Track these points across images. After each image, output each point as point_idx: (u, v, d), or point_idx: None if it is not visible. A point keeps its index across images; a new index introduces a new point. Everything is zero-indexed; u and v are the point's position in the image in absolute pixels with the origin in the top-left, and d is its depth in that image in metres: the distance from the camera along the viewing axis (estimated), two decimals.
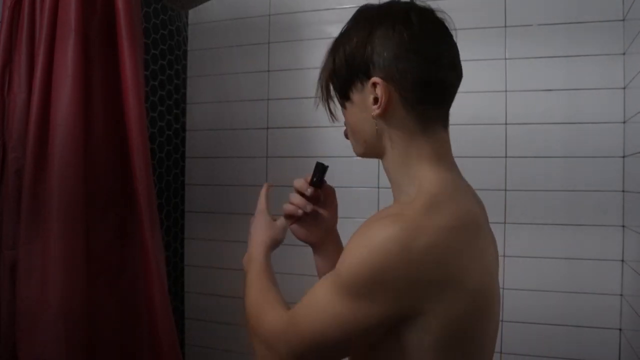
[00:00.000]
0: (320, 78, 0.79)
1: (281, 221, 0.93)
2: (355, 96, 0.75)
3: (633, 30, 1.41)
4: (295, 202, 0.90)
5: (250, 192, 1.94)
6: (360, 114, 0.75)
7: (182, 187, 2.05)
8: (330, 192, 0.94)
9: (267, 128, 1.93)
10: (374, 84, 0.71)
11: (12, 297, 1.25)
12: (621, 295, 1.51)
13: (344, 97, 0.77)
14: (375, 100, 0.72)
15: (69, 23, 1.25)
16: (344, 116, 0.80)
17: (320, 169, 0.89)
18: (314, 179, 0.89)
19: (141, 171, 1.30)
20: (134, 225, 1.36)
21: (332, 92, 0.79)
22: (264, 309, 0.77)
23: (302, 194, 0.90)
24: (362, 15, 0.76)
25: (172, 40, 1.96)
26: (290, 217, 0.92)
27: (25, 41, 1.29)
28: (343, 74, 0.75)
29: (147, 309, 1.35)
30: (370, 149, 0.78)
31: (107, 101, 1.35)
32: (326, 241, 0.95)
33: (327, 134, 1.78)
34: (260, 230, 0.91)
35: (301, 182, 0.90)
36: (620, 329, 1.51)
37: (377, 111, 0.72)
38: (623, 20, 1.51)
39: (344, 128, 0.82)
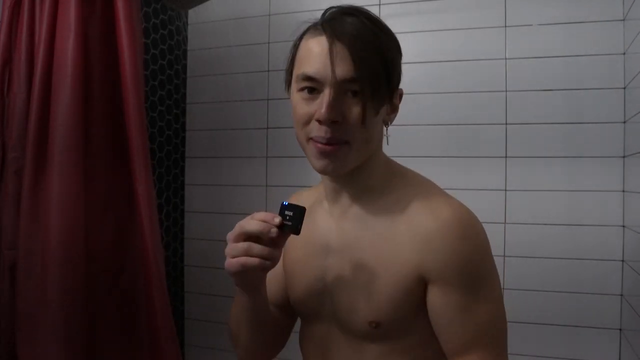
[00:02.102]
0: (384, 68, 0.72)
1: None
2: (391, 101, 0.78)
3: (633, 30, 1.41)
4: (260, 254, 0.70)
5: (250, 192, 1.95)
6: (379, 121, 0.76)
7: (181, 187, 2.05)
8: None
9: (267, 128, 1.92)
10: (400, 95, 0.79)
11: (12, 297, 1.25)
12: (621, 295, 1.51)
13: (388, 100, 0.76)
14: (393, 107, 0.79)
15: (69, 23, 1.25)
16: (367, 117, 0.72)
17: (300, 213, 0.71)
18: (299, 227, 0.71)
19: (141, 171, 1.30)
20: (134, 225, 1.36)
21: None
22: None
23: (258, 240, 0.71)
24: (385, 26, 0.76)
25: (172, 40, 1.96)
26: (242, 273, 0.72)
27: (25, 41, 1.29)
28: (397, 77, 0.76)
29: (147, 309, 1.35)
30: (367, 155, 0.78)
31: (107, 101, 1.35)
32: (263, 286, 0.81)
33: None
34: None
35: (262, 225, 0.70)
36: (620, 329, 1.51)
37: (393, 118, 0.79)
38: (623, 20, 1.51)
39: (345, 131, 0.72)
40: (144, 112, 1.33)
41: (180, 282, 2.04)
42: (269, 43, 1.92)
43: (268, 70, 1.92)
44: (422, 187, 0.80)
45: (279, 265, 0.90)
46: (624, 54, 1.51)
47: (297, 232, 0.71)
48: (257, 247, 0.70)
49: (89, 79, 1.30)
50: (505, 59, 1.63)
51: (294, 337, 0.97)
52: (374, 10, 0.76)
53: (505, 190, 1.62)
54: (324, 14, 0.77)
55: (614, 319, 1.51)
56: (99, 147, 1.34)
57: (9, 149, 1.29)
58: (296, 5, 1.87)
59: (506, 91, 1.62)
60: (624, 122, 1.52)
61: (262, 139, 1.93)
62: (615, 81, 1.52)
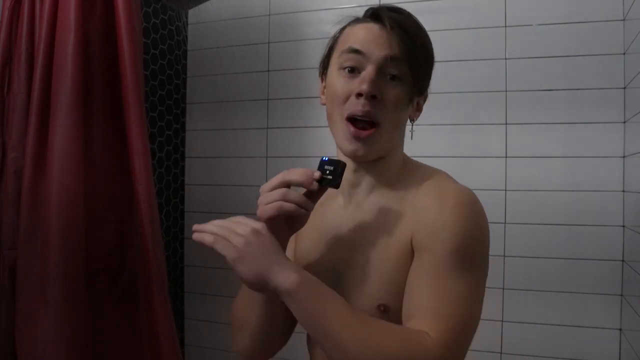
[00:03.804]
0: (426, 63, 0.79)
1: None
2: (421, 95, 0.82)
3: (633, 30, 1.41)
4: (297, 201, 0.71)
5: (250, 192, 1.94)
6: (407, 113, 0.80)
7: (181, 187, 2.05)
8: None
9: (267, 128, 1.92)
10: (425, 97, 0.83)
11: (12, 297, 1.25)
12: (621, 295, 1.51)
13: (421, 91, 0.80)
14: (418, 106, 0.83)
15: (68, 23, 1.25)
16: (400, 108, 0.77)
17: (341, 168, 0.73)
18: (338, 181, 0.72)
19: (141, 171, 1.30)
20: (134, 225, 1.36)
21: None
22: (398, 343, 0.66)
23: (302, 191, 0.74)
24: (423, 27, 0.80)
25: (172, 40, 1.96)
26: (276, 218, 0.73)
27: (25, 41, 1.29)
28: (430, 74, 0.81)
29: (147, 309, 1.35)
30: (393, 144, 0.81)
31: (107, 101, 1.35)
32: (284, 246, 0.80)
33: (327, 133, 1.77)
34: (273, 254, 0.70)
35: (305, 175, 0.72)
36: (620, 329, 1.51)
37: (417, 116, 0.83)
38: (623, 20, 1.51)
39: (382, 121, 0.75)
40: (144, 112, 1.33)
41: (180, 282, 2.04)
42: (269, 43, 1.92)
43: (268, 70, 1.92)
44: (434, 174, 0.82)
45: (289, 257, 0.88)
46: (624, 54, 1.51)
47: (337, 187, 0.73)
48: (294, 193, 0.72)
49: (89, 79, 1.30)
50: (506, 59, 1.63)
51: (296, 339, 0.95)
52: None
53: (505, 190, 1.62)
54: (367, 12, 0.81)
55: (614, 318, 1.51)
56: (99, 148, 1.34)
57: (9, 149, 1.29)
58: (296, 5, 1.87)
59: (506, 91, 1.62)
60: (624, 122, 1.52)
61: (262, 139, 1.93)
62: (615, 81, 1.52)
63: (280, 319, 0.86)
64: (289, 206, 0.71)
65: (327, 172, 0.72)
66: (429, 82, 0.81)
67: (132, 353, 1.40)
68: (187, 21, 2.05)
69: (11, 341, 1.23)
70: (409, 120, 0.83)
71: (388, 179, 0.82)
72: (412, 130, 0.84)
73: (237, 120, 1.97)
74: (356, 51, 0.75)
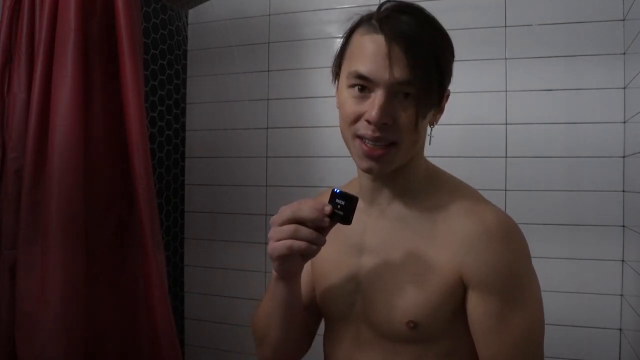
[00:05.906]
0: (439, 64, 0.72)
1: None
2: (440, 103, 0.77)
3: (633, 30, 1.41)
4: (307, 238, 0.70)
5: (250, 192, 1.95)
6: (427, 122, 0.77)
7: (181, 187, 2.05)
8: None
9: (267, 128, 1.92)
10: (447, 96, 0.78)
11: (12, 297, 1.25)
12: (621, 295, 1.51)
13: (437, 102, 0.75)
14: (439, 108, 0.78)
15: (68, 23, 1.25)
16: (417, 122, 0.71)
17: (353, 203, 0.70)
18: (350, 217, 0.71)
19: (141, 171, 1.30)
20: (134, 225, 1.36)
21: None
22: None
23: (311, 227, 0.71)
24: (440, 26, 0.75)
25: (172, 40, 1.96)
26: (287, 256, 0.72)
27: (25, 41, 1.29)
28: (448, 80, 0.75)
29: (147, 309, 1.35)
30: (412, 155, 0.78)
31: (107, 101, 1.35)
32: (300, 275, 0.81)
33: (327, 133, 1.78)
34: None
35: (316, 211, 0.70)
36: (620, 329, 1.51)
37: (438, 119, 0.79)
38: (623, 20, 1.51)
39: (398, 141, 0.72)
40: (144, 112, 1.33)
41: (180, 282, 2.04)
42: (269, 43, 1.92)
43: (268, 70, 1.92)
44: (465, 191, 0.79)
45: (307, 263, 0.87)
46: (624, 54, 1.51)
47: (349, 223, 0.71)
48: (304, 230, 0.70)
49: (88, 79, 1.30)
50: (505, 59, 1.63)
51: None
52: (374, 10, 0.76)
53: (505, 190, 1.62)
54: (378, 9, 0.74)
55: (614, 319, 1.51)
56: (99, 147, 1.34)
57: (9, 149, 1.29)
58: (296, 5, 1.87)
59: (506, 91, 1.62)
60: (624, 122, 1.52)
61: (262, 139, 1.93)
62: (615, 81, 1.52)
63: (298, 329, 0.86)
64: (300, 244, 0.70)
65: (339, 206, 0.70)
66: (448, 83, 0.76)
67: (132, 353, 1.40)
68: (187, 21, 2.05)
69: (11, 341, 1.23)
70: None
71: (410, 189, 0.80)
72: (430, 135, 0.80)
73: (237, 120, 1.97)
74: (363, 77, 0.71)
